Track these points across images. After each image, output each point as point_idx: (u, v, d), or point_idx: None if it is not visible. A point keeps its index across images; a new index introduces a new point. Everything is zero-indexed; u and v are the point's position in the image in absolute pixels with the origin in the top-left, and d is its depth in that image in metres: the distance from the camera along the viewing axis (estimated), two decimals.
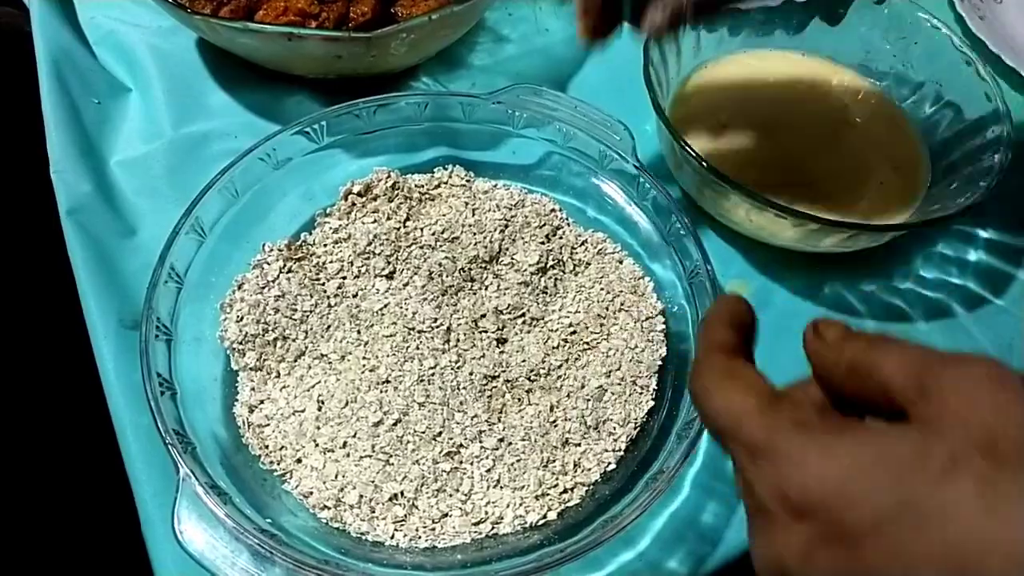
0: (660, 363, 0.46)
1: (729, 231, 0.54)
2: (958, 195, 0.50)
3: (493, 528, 0.40)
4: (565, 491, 0.42)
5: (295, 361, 0.45)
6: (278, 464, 0.41)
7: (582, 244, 0.51)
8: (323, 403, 0.43)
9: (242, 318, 0.45)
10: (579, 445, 0.43)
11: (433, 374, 0.44)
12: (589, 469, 0.42)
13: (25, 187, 0.56)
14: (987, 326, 0.53)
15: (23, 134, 0.56)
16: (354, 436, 0.42)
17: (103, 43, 0.62)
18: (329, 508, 0.40)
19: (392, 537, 0.39)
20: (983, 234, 0.57)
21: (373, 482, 0.40)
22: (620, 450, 0.43)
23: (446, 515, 0.40)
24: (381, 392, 0.43)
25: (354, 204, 0.50)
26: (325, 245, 0.49)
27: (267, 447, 0.41)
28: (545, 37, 0.66)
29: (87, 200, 0.52)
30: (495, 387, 0.44)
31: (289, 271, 0.47)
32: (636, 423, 0.44)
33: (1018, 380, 0.22)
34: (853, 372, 0.25)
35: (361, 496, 0.40)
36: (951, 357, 0.23)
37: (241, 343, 0.44)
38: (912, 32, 0.57)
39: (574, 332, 0.47)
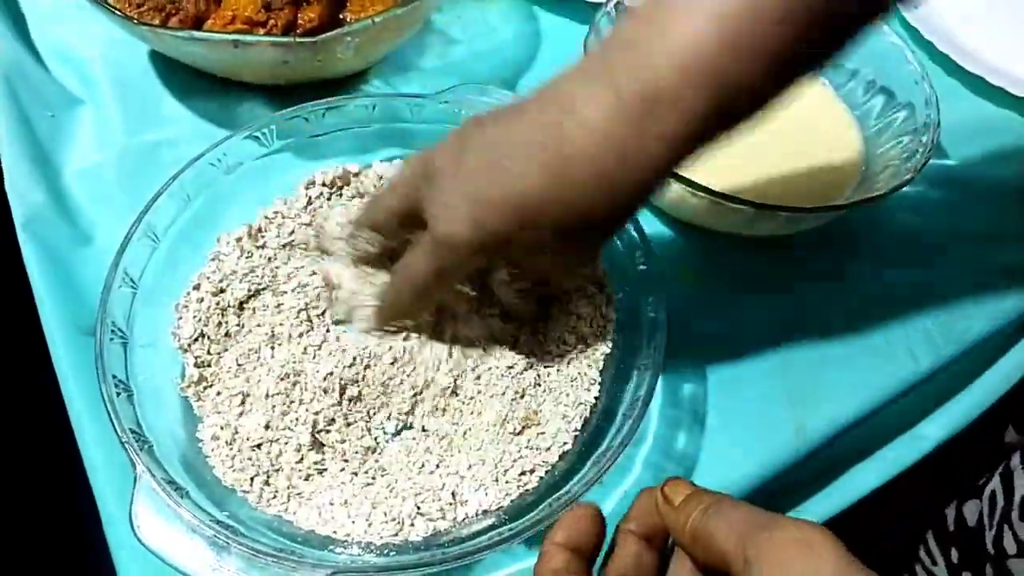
0: (609, 349, 0.47)
1: (671, 219, 0.56)
2: (891, 176, 0.52)
3: (449, 511, 0.41)
4: (523, 473, 0.43)
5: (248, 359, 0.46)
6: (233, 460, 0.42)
7: None
8: (268, 396, 0.44)
9: (197, 318, 0.46)
10: (534, 432, 0.44)
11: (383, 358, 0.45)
12: (548, 449, 0.43)
13: None
14: (927, 307, 0.54)
15: None
16: (298, 423, 0.43)
17: (55, 56, 0.62)
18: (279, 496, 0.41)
19: (342, 524, 0.40)
20: (919, 214, 0.59)
21: (321, 470, 0.42)
22: (576, 430, 0.44)
23: (403, 501, 0.41)
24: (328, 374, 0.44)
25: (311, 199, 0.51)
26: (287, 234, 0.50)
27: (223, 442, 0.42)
28: (495, 39, 0.67)
29: (42, 211, 0.52)
30: (446, 375, 0.45)
31: (249, 255, 0.48)
32: (586, 406, 0.45)
33: (826, 540, 0.25)
34: (695, 541, 0.28)
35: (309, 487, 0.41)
36: (769, 523, 0.26)
37: (196, 342, 0.45)
38: None
39: (527, 323, 0.48)
